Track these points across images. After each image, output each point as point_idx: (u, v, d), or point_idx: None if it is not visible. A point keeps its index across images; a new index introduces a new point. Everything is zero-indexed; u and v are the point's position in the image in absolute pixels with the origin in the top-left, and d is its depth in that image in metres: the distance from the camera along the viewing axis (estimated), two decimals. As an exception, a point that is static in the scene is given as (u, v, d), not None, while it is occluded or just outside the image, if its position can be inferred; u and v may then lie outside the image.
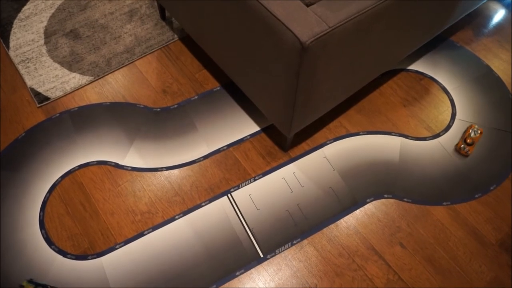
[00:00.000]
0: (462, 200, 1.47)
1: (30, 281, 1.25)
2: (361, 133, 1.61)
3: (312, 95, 1.22)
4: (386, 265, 1.35)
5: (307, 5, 1.05)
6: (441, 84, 1.74)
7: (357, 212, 1.44)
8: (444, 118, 1.65)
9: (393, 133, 1.61)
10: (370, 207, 1.45)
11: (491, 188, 1.49)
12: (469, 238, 1.39)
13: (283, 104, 1.25)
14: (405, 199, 1.47)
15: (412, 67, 1.78)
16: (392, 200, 1.46)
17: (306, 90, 1.17)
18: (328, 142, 1.58)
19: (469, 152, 1.53)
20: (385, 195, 1.47)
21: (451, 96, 1.70)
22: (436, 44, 1.85)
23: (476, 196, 1.47)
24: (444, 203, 1.46)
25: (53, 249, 1.35)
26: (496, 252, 1.37)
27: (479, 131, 1.55)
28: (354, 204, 1.45)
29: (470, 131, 1.57)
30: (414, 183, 1.50)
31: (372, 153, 1.55)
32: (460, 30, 1.90)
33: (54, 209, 1.42)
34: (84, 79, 1.70)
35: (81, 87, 1.69)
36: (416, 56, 1.81)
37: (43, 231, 1.38)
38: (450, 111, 1.67)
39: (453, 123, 1.64)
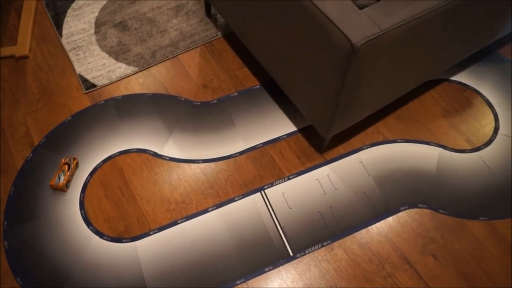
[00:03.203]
0: (500, 216, 1.43)
1: None
2: (398, 140, 1.59)
3: (355, 98, 1.22)
4: (417, 275, 1.33)
5: (360, 7, 1.06)
6: (485, 97, 1.69)
7: (390, 219, 1.43)
8: (486, 132, 1.61)
9: (431, 143, 1.58)
10: (404, 216, 1.43)
11: (532, 207, 1.44)
12: (507, 257, 1.35)
13: (325, 105, 1.26)
14: (441, 211, 1.44)
15: (456, 78, 1.74)
16: (427, 211, 1.44)
17: (350, 93, 1.17)
18: (364, 147, 1.57)
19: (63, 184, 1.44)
20: (420, 205, 1.45)
21: (495, 110, 1.66)
22: (482, 56, 1.81)
23: (516, 214, 1.43)
24: (481, 218, 1.42)
25: (91, 230, 1.40)
26: (534, 273, 1.33)
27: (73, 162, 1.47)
28: (387, 211, 1.44)
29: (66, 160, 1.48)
30: (450, 195, 1.47)
31: (409, 162, 1.53)
32: (509, 43, 1.85)
33: (94, 191, 1.48)
34: (130, 69, 1.75)
35: (126, 76, 1.74)
36: (460, 67, 1.77)
37: (82, 212, 1.43)
38: (493, 125, 1.62)
39: (495, 137, 1.59)
